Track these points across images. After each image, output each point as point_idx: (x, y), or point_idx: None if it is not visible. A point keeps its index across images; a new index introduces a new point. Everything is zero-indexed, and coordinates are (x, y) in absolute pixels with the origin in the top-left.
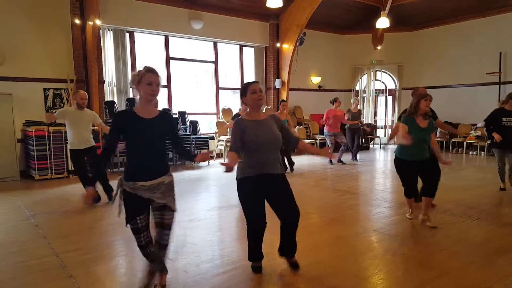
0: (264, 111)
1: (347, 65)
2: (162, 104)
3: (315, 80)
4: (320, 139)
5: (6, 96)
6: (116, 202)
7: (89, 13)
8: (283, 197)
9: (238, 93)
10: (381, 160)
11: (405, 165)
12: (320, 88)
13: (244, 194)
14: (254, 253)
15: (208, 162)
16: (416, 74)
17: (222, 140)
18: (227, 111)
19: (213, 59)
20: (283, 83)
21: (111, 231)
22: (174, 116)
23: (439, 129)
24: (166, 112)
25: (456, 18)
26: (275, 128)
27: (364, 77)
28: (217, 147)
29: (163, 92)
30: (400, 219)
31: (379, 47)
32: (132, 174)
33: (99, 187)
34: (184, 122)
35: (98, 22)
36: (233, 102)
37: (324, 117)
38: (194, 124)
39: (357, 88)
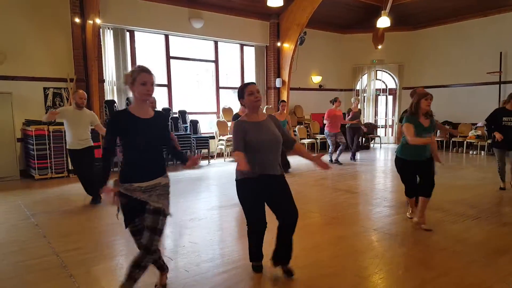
0: (264, 111)
1: (348, 65)
2: (163, 103)
3: (316, 79)
4: (320, 139)
5: (6, 95)
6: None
7: (89, 12)
8: (282, 197)
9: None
10: (381, 159)
11: (405, 165)
12: (320, 88)
13: (245, 195)
14: (255, 253)
15: (209, 162)
16: (416, 74)
17: (223, 140)
18: (227, 111)
19: (213, 58)
20: (283, 82)
21: (111, 230)
22: (174, 115)
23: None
24: (162, 112)
25: (456, 17)
26: (275, 128)
27: (365, 77)
28: (217, 146)
29: (163, 91)
30: (400, 219)
31: (379, 47)
32: (128, 175)
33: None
34: (184, 122)
35: (98, 21)
36: (234, 102)
37: (325, 116)
38: (194, 123)
39: (358, 87)
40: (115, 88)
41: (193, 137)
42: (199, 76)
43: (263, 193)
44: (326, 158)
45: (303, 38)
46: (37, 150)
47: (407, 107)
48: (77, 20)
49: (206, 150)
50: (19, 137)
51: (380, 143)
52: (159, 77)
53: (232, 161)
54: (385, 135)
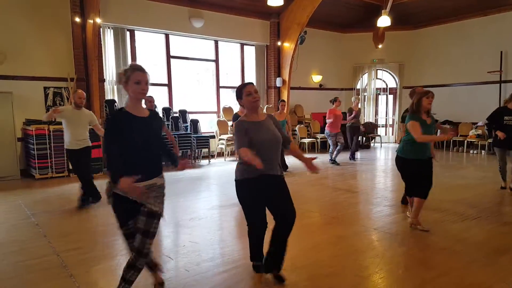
0: (265, 110)
1: (348, 64)
2: (163, 102)
3: (316, 78)
4: (320, 138)
5: (7, 95)
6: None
7: (89, 12)
8: (282, 198)
9: None
10: (382, 158)
11: (406, 164)
12: (321, 87)
13: (245, 195)
14: (256, 252)
15: (209, 161)
16: (417, 73)
17: (223, 139)
18: (227, 110)
19: (213, 58)
20: (284, 81)
21: (111, 230)
22: (175, 114)
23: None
24: (156, 112)
25: (457, 17)
26: (274, 128)
27: (365, 76)
28: (218, 146)
29: (164, 91)
30: (400, 218)
31: (380, 46)
32: (125, 175)
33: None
34: (184, 121)
35: (98, 20)
36: (234, 101)
37: (327, 116)
38: (194, 122)
39: (358, 86)
40: (115, 87)
41: (193, 137)
42: (199, 76)
43: (263, 193)
44: (326, 157)
45: (304, 37)
46: (37, 149)
47: (408, 106)
48: (77, 19)
49: (206, 150)
50: (19, 137)
51: (381, 143)
52: (160, 76)
53: (232, 160)
54: (386, 135)
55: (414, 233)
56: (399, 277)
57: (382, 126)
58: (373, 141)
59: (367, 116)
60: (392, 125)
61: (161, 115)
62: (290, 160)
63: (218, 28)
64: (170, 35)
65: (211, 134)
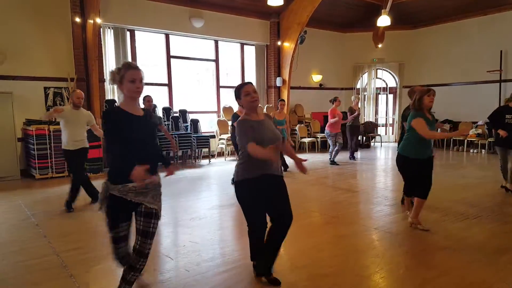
0: (265, 110)
1: (348, 63)
2: (163, 102)
3: (316, 78)
4: (321, 138)
5: (7, 95)
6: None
7: (89, 12)
8: (281, 199)
9: None
10: (382, 158)
11: (407, 163)
12: (321, 87)
13: (246, 195)
14: (256, 252)
15: (209, 161)
16: (417, 72)
17: (223, 139)
18: (228, 110)
19: (214, 58)
20: (284, 81)
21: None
22: (175, 114)
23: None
24: (150, 112)
25: (456, 16)
26: (274, 127)
27: (365, 75)
28: (218, 145)
29: (164, 91)
30: (401, 218)
31: (380, 45)
32: (122, 175)
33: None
34: (185, 121)
35: (98, 20)
36: (234, 101)
37: (330, 116)
38: (195, 122)
39: (358, 86)
40: (115, 87)
41: (193, 136)
42: (199, 75)
43: (263, 193)
44: (327, 157)
45: (304, 37)
46: (37, 149)
47: (407, 105)
48: (77, 19)
49: (206, 149)
50: (19, 137)
51: (381, 142)
52: (160, 76)
53: (233, 160)
54: (386, 134)
55: (415, 233)
56: (399, 276)
57: (382, 126)
58: (373, 140)
59: (367, 116)
60: (392, 125)
61: (161, 115)
62: (289, 159)
63: (218, 28)
64: (170, 35)
65: (211, 134)
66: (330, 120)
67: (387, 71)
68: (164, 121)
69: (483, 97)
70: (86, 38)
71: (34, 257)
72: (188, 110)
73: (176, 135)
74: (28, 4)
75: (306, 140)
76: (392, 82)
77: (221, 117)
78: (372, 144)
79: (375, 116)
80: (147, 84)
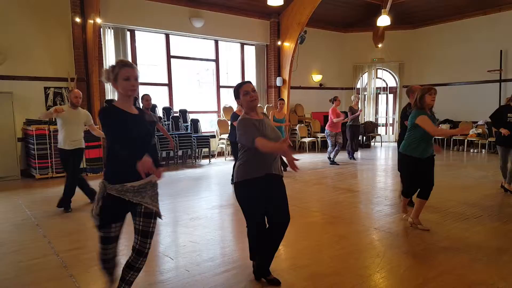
0: (265, 109)
1: (348, 63)
2: (163, 102)
3: (316, 78)
4: (321, 137)
5: (7, 95)
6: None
7: (89, 12)
8: (280, 199)
9: None
10: (382, 158)
11: (408, 161)
12: (321, 86)
13: (247, 195)
14: (256, 252)
15: (209, 161)
16: (417, 72)
17: (223, 139)
18: (228, 109)
19: (214, 57)
20: (284, 81)
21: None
22: (175, 114)
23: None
24: (143, 110)
25: (456, 16)
26: (274, 126)
27: (365, 75)
28: (218, 145)
29: (164, 91)
30: (401, 217)
31: (380, 45)
32: (120, 174)
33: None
34: (185, 121)
35: (98, 20)
36: (234, 101)
37: (334, 115)
38: (195, 122)
39: (358, 86)
40: None
41: (193, 136)
42: (199, 75)
43: (264, 193)
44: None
45: (304, 37)
46: (37, 149)
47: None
48: (77, 19)
49: (206, 149)
50: (19, 137)
51: (381, 142)
52: (160, 76)
53: (233, 160)
54: (386, 134)
55: (415, 233)
56: (400, 276)
57: (382, 125)
58: (373, 140)
59: (367, 116)
60: (392, 124)
61: (161, 115)
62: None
63: (218, 28)
64: (170, 35)
65: (212, 133)
66: (334, 120)
67: (387, 71)
68: (164, 121)
69: (483, 97)
70: (86, 38)
71: (34, 257)
72: (188, 110)
73: (176, 135)
74: (28, 4)
75: (306, 140)
76: (392, 82)
77: (221, 117)
78: (372, 144)
79: (375, 116)
80: (147, 84)
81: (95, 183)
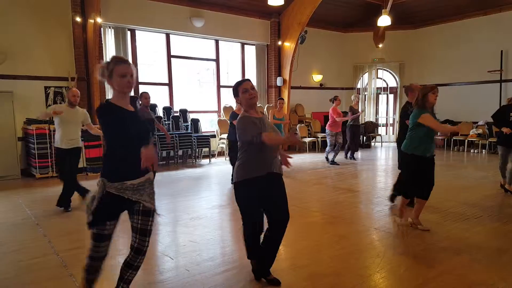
0: (265, 109)
1: (349, 63)
2: (164, 102)
3: (317, 78)
4: (321, 137)
5: (7, 94)
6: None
7: (90, 11)
8: (279, 197)
9: None
10: (382, 158)
11: (411, 160)
12: (321, 86)
13: (246, 195)
14: (253, 251)
15: (210, 160)
16: (417, 72)
17: (224, 138)
18: (228, 109)
19: (214, 57)
20: (284, 81)
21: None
22: (175, 114)
23: None
24: (143, 108)
25: (457, 16)
26: (273, 125)
27: (366, 75)
28: (218, 145)
29: (164, 90)
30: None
31: (380, 45)
32: (120, 172)
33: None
34: (185, 120)
35: (99, 20)
36: (234, 100)
37: (336, 115)
38: (195, 122)
39: (359, 86)
40: None
41: (194, 136)
42: (200, 75)
43: (262, 193)
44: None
45: (304, 36)
46: (38, 149)
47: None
48: (78, 19)
49: (207, 149)
50: (20, 136)
51: (381, 142)
52: (160, 76)
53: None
54: (386, 134)
55: (415, 233)
56: (400, 276)
57: (382, 126)
58: (373, 140)
59: (368, 116)
60: (392, 125)
61: (161, 114)
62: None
63: (218, 28)
64: (170, 35)
65: (212, 133)
66: (337, 119)
67: (387, 71)
68: (165, 121)
69: (484, 97)
70: (86, 38)
71: (34, 256)
72: (188, 109)
73: (176, 135)
74: (28, 4)
75: (307, 140)
76: (392, 82)
77: (222, 116)
78: (372, 144)
79: (376, 116)
80: (147, 83)
81: (95, 183)
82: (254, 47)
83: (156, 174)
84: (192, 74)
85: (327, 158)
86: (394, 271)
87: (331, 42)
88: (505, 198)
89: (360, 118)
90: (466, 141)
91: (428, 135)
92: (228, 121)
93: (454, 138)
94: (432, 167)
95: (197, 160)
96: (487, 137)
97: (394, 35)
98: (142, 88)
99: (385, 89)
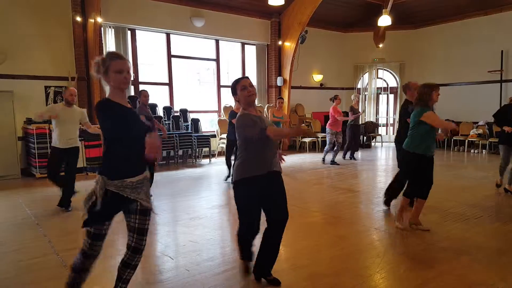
0: (266, 109)
1: (349, 63)
2: (164, 102)
3: (317, 78)
4: (321, 137)
5: (7, 94)
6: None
7: (90, 11)
8: (279, 195)
9: None
10: (383, 158)
11: (412, 159)
12: (321, 86)
13: (245, 194)
14: (247, 251)
15: (210, 160)
16: (417, 72)
17: (224, 138)
18: (228, 109)
19: (214, 57)
20: (284, 81)
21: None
22: (175, 114)
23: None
24: (142, 105)
25: (457, 16)
26: (271, 123)
27: (366, 75)
28: (218, 145)
29: (164, 90)
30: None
31: (380, 45)
32: (121, 170)
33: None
34: (185, 120)
35: (99, 19)
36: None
37: (337, 114)
38: (195, 122)
39: (359, 86)
40: None
41: (194, 136)
42: (200, 75)
43: (261, 192)
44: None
45: (304, 36)
46: (38, 148)
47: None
48: (78, 18)
49: (207, 149)
50: (20, 136)
51: (382, 142)
52: (161, 75)
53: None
54: (386, 134)
55: (415, 233)
56: (400, 276)
57: (383, 126)
58: (373, 140)
59: (368, 116)
60: (393, 125)
61: (161, 114)
62: (294, 159)
63: (219, 28)
64: (171, 35)
65: (212, 133)
66: (338, 118)
67: (387, 71)
68: (165, 120)
69: (484, 97)
70: (87, 37)
71: (34, 256)
72: (188, 109)
73: (176, 135)
74: (29, 4)
75: (307, 140)
76: (392, 82)
77: (222, 116)
78: (372, 144)
79: (376, 116)
80: (148, 83)
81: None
82: (254, 47)
83: (156, 174)
84: (192, 74)
85: (323, 160)
86: (394, 271)
87: (332, 42)
88: (505, 199)
89: (360, 118)
90: (466, 141)
91: (429, 133)
92: (228, 121)
93: (454, 138)
94: (432, 166)
95: (197, 160)
96: (487, 137)
97: (394, 35)
98: (142, 88)
99: (385, 89)
